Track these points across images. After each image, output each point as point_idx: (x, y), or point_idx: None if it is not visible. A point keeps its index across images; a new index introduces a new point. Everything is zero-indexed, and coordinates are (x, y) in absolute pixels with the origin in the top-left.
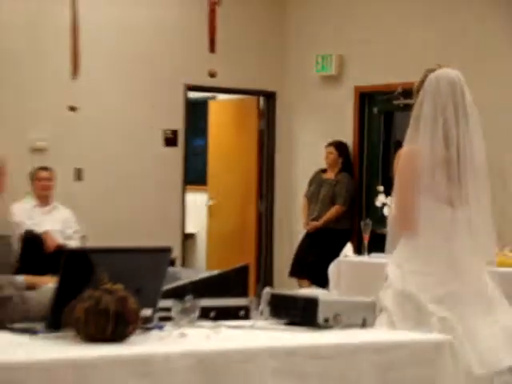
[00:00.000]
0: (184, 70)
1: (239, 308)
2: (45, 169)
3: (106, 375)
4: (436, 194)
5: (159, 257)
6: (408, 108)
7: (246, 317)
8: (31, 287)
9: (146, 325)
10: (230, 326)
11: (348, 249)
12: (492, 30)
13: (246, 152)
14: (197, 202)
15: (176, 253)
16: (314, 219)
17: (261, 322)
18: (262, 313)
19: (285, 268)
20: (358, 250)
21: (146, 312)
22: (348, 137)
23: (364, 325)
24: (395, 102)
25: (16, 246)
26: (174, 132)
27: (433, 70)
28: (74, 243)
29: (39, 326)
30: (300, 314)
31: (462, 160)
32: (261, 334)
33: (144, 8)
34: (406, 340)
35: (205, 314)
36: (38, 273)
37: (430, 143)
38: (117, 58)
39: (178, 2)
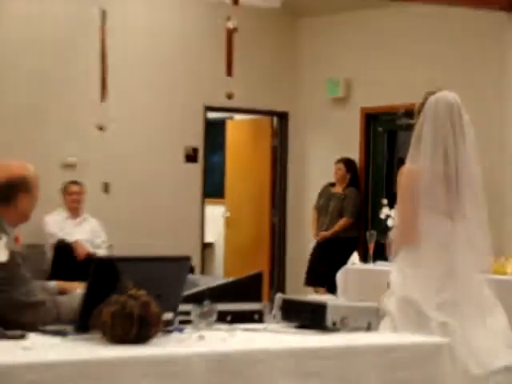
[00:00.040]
0: (203, 92)
1: (253, 312)
2: (75, 183)
3: (130, 374)
4: (436, 207)
5: (180, 265)
6: (410, 127)
7: (260, 320)
8: (62, 292)
9: (167, 328)
10: (244, 329)
11: (355, 257)
12: (485, 59)
13: (261, 167)
14: (215, 213)
15: (195, 261)
16: (323, 231)
17: (273, 325)
18: (274, 316)
19: (296, 275)
20: (364, 259)
21: (168, 316)
22: (355, 154)
23: (369, 328)
24: (398, 122)
25: (49, 254)
26: (195, 149)
27: (433, 93)
28: (101, 252)
29: (69, 328)
30: (310, 317)
31: (460, 175)
32: (273, 337)
33: (168, 38)
34: (408, 342)
35: (221, 317)
36: (69, 279)
37: (430, 161)
38: (142, 82)
39: (198, 32)
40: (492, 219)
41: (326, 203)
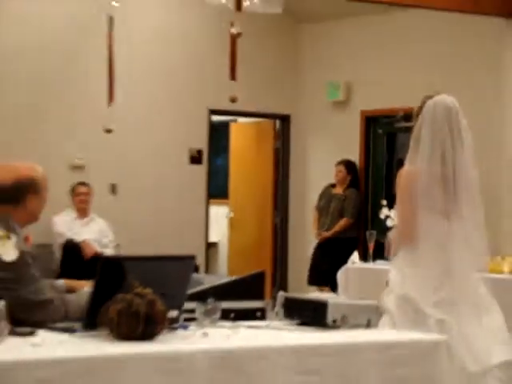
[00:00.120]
0: (208, 95)
1: (256, 310)
2: (83, 184)
3: (136, 370)
4: (434, 208)
5: (184, 264)
6: (409, 130)
7: (263, 318)
8: (71, 290)
9: (172, 325)
10: (248, 326)
11: (355, 256)
12: (484, 63)
13: (263, 169)
14: (219, 214)
15: (200, 260)
16: (324, 231)
17: (275, 323)
18: (276, 314)
19: (298, 274)
20: (364, 258)
21: (173, 313)
22: (355, 155)
23: (368, 325)
24: (397, 125)
25: (58, 253)
26: (199, 151)
27: (431, 97)
28: (109, 251)
29: (77, 325)
30: (311, 315)
31: (457, 177)
32: (275, 334)
33: (174, 43)
34: (406, 339)
35: (225, 315)
36: (77, 277)
37: (428, 163)
38: (148, 86)
39: (203, 38)
40: (489, 220)
41: (327, 204)
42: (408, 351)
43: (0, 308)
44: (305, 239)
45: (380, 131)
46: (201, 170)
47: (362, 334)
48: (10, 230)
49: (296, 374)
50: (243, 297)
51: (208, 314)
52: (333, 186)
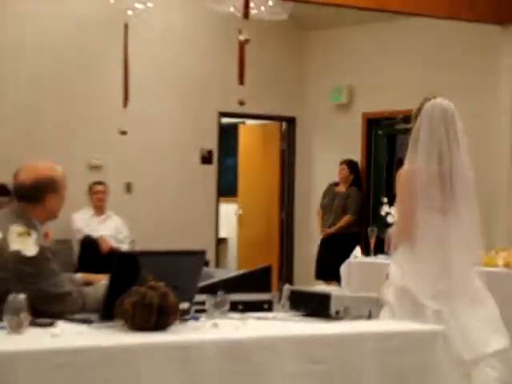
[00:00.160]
0: (217, 99)
1: (263, 302)
2: (100, 183)
3: (150, 359)
4: (431, 205)
5: (195, 258)
6: (408, 131)
7: (270, 309)
8: (88, 284)
9: (183, 316)
10: (255, 318)
11: (357, 251)
12: (482, 68)
13: (271, 169)
14: (228, 211)
15: (210, 255)
16: (328, 228)
17: (282, 314)
18: (283, 306)
19: (303, 267)
20: (366, 253)
21: (184, 305)
22: (357, 155)
23: (369, 316)
24: (397, 127)
25: (76, 248)
26: (209, 152)
27: (429, 100)
28: (124, 247)
29: (94, 316)
30: (315, 307)
31: (454, 176)
32: (282, 324)
33: (185, 50)
34: (405, 330)
35: (234, 307)
36: (94, 271)
37: (426, 163)
38: (162, 90)
39: (213, 44)
40: (484, 217)
41: (331, 202)
42: (407, 341)
43: (21, 300)
44: (310, 235)
45: (381, 132)
46: (211, 170)
47: (363, 325)
48: (30, 226)
49: (301, 362)
50: (251, 289)
51: (218, 305)
52: (336, 184)
